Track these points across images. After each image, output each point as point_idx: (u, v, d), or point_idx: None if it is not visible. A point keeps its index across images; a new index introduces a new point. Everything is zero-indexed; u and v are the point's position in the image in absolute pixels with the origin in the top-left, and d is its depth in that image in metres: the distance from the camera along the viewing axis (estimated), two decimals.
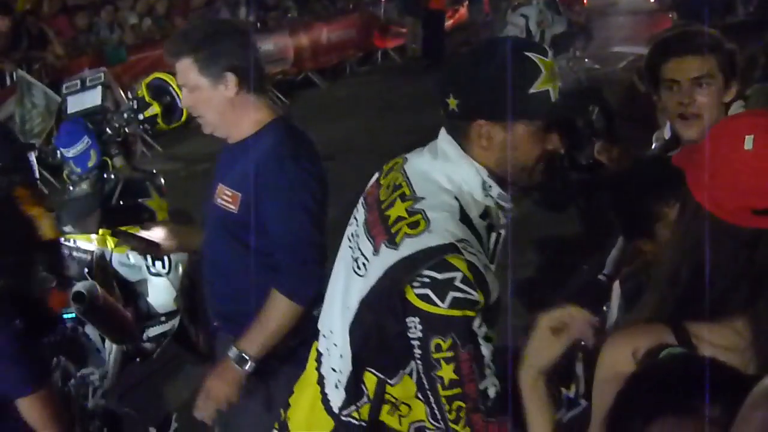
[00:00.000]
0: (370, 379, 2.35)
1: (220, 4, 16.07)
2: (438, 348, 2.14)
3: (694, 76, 3.16)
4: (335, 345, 2.43)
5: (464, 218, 2.25)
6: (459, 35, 20.72)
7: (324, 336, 2.52)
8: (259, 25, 16.02)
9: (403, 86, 16.67)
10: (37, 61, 11.43)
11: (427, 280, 2.15)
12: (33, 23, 11.85)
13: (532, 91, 2.22)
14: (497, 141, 2.27)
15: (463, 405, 2.16)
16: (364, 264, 2.32)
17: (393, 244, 2.23)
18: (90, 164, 5.11)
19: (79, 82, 5.37)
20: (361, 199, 2.49)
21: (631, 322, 1.98)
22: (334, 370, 2.43)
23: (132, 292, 5.01)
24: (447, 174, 2.30)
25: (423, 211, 2.23)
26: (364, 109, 14.65)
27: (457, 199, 2.27)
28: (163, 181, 5.56)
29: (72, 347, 4.54)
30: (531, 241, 7.51)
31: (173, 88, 5.14)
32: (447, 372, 2.15)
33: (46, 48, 11.78)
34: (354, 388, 2.37)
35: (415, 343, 2.19)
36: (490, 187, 2.29)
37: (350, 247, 2.43)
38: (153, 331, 5.07)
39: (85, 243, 4.69)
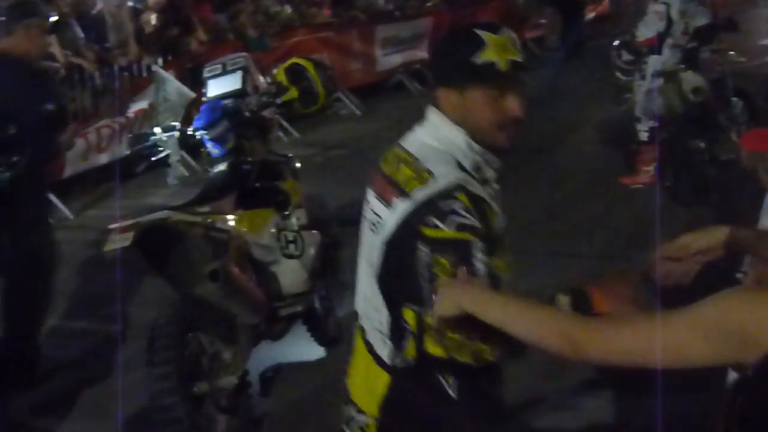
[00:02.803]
0: (409, 315, 2.59)
1: None
2: (441, 266, 2.45)
3: None
4: (372, 309, 2.73)
5: (462, 168, 2.60)
6: (599, 26, 20.37)
7: (362, 311, 2.82)
8: (398, 12, 16.08)
9: (538, 78, 16.50)
10: (182, 47, 11.74)
11: (435, 211, 2.48)
12: (181, 12, 12.18)
13: (476, 60, 2.57)
14: (455, 106, 2.66)
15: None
16: (378, 222, 2.65)
17: (405, 195, 2.56)
18: (228, 146, 5.22)
19: (220, 66, 5.49)
20: (368, 194, 2.77)
21: None
22: (378, 330, 2.71)
23: (265, 272, 5.10)
24: (436, 137, 2.68)
25: (426, 168, 2.58)
26: None
27: (451, 155, 2.63)
28: (299, 164, 5.64)
29: (207, 321, 4.64)
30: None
31: (311, 74, 5.22)
32: None
33: (191, 35, 12.09)
34: (397, 331, 2.64)
35: (424, 268, 2.49)
36: (471, 144, 2.64)
37: (369, 227, 2.72)
38: (284, 312, 5.15)
39: (222, 223, 4.79)
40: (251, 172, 5.26)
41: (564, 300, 2.31)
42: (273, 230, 5.17)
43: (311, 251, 5.35)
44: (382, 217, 2.64)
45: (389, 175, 2.67)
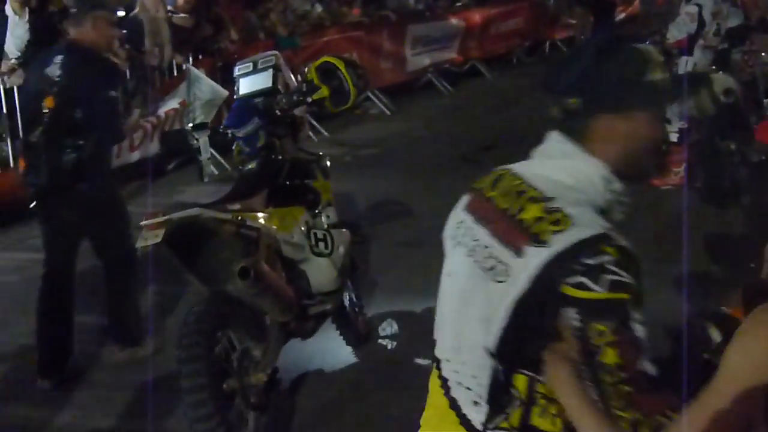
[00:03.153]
0: (520, 381, 2.29)
1: None
2: (600, 334, 2.13)
3: None
4: (464, 363, 2.39)
5: (598, 211, 2.29)
6: (629, 27, 20.27)
7: (447, 360, 2.46)
8: (428, 12, 16.08)
9: None
10: (213, 46, 11.80)
11: (581, 268, 2.15)
12: (212, 11, 12.25)
13: (648, 79, 2.33)
14: (618, 133, 2.34)
15: (630, 388, 2.12)
16: (503, 270, 2.27)
17: (540, 242, 2.21)
18: (259, 144, 5.25)
19: (251, 64, 5.51)
20: (464, 219, 2.45)
21: None
22: (468, 388, 2.38)
23: (295, 270, 5.11)
24: (570, 172, 2.33)
25: (561, 209, 2.24)
26: (528, 101, 14.53)
27: (586, 195, 2.31)
28: (329, 163, 5.66)
29: (237, 318, 4.67)
30: (697, 237, 7.31)
31: (342, 72, 5.23)
32: (611, 357, 2.13)
33: (222, 34, 12.16)
34: (501, 396, 2.31)
35: (574, 333, 2.17)
36: (611, 182, 2.33)
37: (476, 262, 2.36)
38: (314, 310, 5.17)
39: (253, 221, 4.81)
40: (282, 171, 5.28)
41: (715, 333, 2.23)
42: (303, 228, 5.18)
43: (341, 250, 5.36)
44: (509, 265, 2.27)
45: (510, 213, 2.32)
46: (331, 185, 5.61)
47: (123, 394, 5.53)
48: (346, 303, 5.67)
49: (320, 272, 5.19)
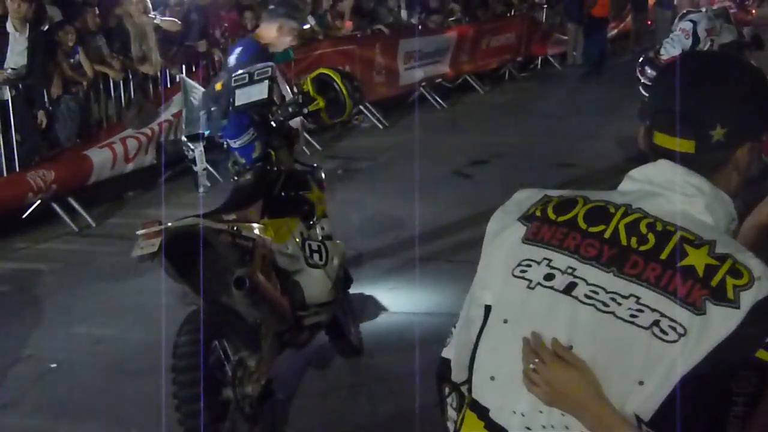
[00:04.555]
0: None
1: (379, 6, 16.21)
2: None
3: None
4: (550, 427, 2.02)
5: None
6: (621, 44, 20.39)
7: (513, 412, 2.07)
8: (420, 27, 16.13)
9: (562, 94, 16.53)
10: (206, 57, 11.80)
11: None
12: (203, 20, 12.27)
13: None
14: (745, 162, 2.10)
15: None
16: (672, 327, 1.92)
17: (726, 300, 1.90)
18: (255, 155, 5.27)
19: (247, 75, 5.51)
20: (543, 257, 2.09)
21: None
22: None
23: (289, 281, 5.12)
24: (710, 211, 2.06)
25: (730, 255, 1.95)
26: (520, 116, 14.59)
27: (726, 237, 2.05)
28: (324, 175, 5.67)
29: (232, 328, 4.67)
30: None
31: (338, 84, 5.25)
32: None
33: (215, 48, 12.16)
34: None
35: (742, 399, 1.95)
36: (734, 220, 2.12)
37: (604, 312, 1.98)
38: (308, 321, 5.17)
39: (248, 231, 4.82)
40: (277, 182, 5.30)
41: None
42: (298, 239, 5.20)
43: (335, 261, 5.37)
44: (682, 324, 1.91)
45: (661, 257, 1.98)
46: (325, 197, 5.62)
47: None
48: (340, 315, 5.67)
49: (315, 283, 5.20)
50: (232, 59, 6.09)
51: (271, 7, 6.70)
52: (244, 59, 5.89)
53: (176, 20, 11.56)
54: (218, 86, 5.72)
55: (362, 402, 5.44)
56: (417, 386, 5.32)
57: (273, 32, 6.27)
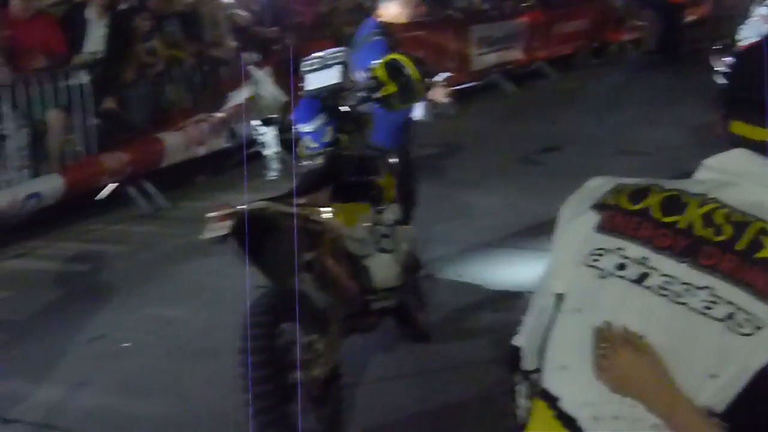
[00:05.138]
0: None
1: None
2: None
3: None
4: (622, 417, 1.97)
5: None
6: (698, 30, 20.03)
7: (584, 401, 2.03)
8: (493, 12, 16.03)
9: (635, 81, 16.29)
10: (278, 43, 11.86)
11: None
12: (280, 9, 12.35)
13: None
14: None
15: None
16: (748, 320, 1.88)
17: None
18: (325, 140, 5.27)
19: (319, 60, 5.52)
20: (615, 246, 2.05)
21: None
22: None
23: (358, 266, 5.13)
24: None
25: None
26: (592, 102, 14.41)
27: None
28: (395, 161, 5.66)
29: (300, 312, 4.68)
30: None
31: (409, 69, 5.23)
32: None
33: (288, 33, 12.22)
34: None
35: None
36: None
37: (676, 303, 1.96)
38: (376, 306, 5.18)
39: (317, 215, 4.83)
40: (347, 167, 5.30)
41: None
42: (367, 224, 5.20)
43: (404, 247, 5.37)
44: (758, 316, 1.88)
45: (736, 248, 1.94)
46: (395, 182, 5.61)
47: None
48: (408, 300, 5.67)
49: (383, 268, 5.20)
50: (356, 36, 6.68)
51: None
52: (363, 33, 6.63)
53: (248, 14, 11.66)
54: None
55: (429, 388, 5.43)
56: (486, 373, 5.31)
57: (394, 7, 6.78)
